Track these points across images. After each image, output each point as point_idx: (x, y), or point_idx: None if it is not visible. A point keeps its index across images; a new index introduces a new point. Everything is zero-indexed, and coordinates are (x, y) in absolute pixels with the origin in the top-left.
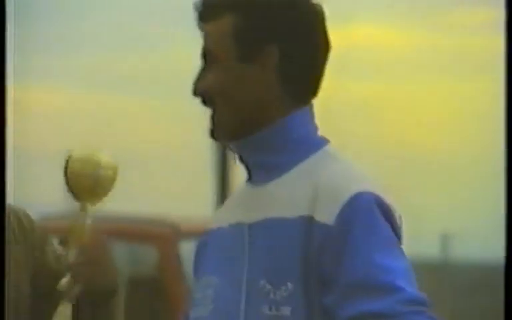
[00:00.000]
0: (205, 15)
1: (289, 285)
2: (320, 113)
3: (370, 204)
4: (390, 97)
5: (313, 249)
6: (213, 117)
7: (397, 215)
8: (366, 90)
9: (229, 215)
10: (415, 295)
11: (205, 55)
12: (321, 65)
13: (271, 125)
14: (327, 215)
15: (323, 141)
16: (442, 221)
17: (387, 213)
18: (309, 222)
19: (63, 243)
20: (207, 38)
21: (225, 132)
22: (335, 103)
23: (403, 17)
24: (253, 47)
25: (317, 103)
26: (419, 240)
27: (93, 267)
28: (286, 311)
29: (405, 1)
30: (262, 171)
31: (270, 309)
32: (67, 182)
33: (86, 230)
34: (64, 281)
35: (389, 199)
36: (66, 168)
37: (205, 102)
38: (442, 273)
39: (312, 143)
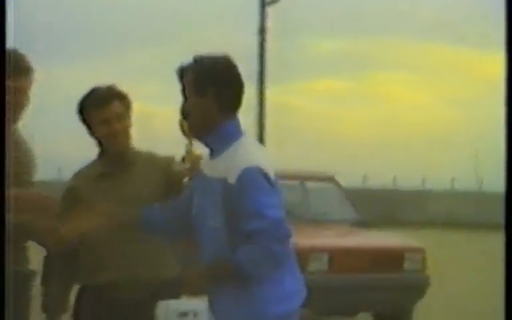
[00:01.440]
0: (181, 75)
1: (219, 212)
2: None
3: (254, 172)
4: None
5: (227, 197)
6: (188, 126)
7: (272, 177)
8: None
9: (205, 169)
10: (279, 220)
11: (184, 94)
12: (239, 94)
13: (213, 130)
14: (232, 179)
15: (240, 135)
16: None
17: (266, 176)
18: (224, 182)
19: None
20: (184, 85)
21: (195, 133)
22: None
23: None
24: (201, 89)
25: None
26: None
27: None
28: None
29: None
30: (212, 152)
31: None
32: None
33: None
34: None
35: (267, 168)
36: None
37: (185, 118)
38: None
39: (234, 137)
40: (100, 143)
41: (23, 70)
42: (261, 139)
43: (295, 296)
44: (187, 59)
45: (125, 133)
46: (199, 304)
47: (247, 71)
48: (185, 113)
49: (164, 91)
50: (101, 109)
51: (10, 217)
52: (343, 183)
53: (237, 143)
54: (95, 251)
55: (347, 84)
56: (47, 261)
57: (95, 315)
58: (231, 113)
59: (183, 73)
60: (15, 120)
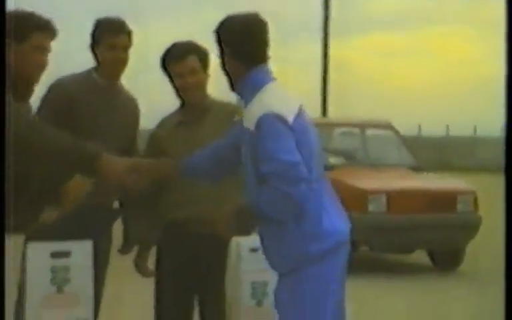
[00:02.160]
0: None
1: (249, 159)
2: None
3: (269, 119)
4: None
5: (251, 144)
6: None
7: (291, 121)
8: None
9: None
10: (290, 163)
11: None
12: (257, 48)
13: (238, 82)
14: (252, 126)
15: (264, 83)
16: None
17: (282, 121)
18: (248, 130)
19: None
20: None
21: (233, 85)
22: None
23: None
24: (223, 47)
25: None
26: None
27: None
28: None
29: None
30: (244, 101)
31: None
32: None
33: None
34: None
35: (286, 113)
36: None
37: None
38: None
39: (258, 86)
40: (179, 94)
41: (122, 30)
42: (324, 91)
43: (333, 234)
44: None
45: (198, 87)
46: None
47: (312, 27)
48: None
49: None
50: (177, 63)
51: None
52: (399, 130)
53: (261, 91)
54: (173, 192)
55: (403, 38)
56: (137, 202)
57: (174, 247)
58: (253, 64)
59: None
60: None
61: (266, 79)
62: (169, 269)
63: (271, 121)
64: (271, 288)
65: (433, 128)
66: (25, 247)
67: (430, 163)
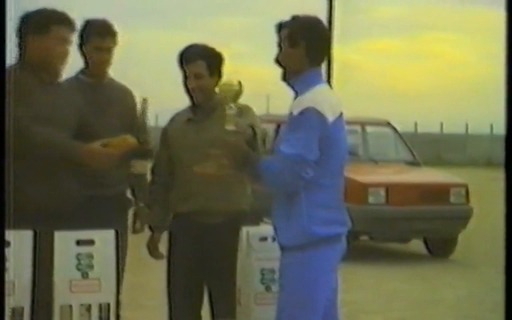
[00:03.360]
0: (279, 29)
1: None
2: None
3: (312, 112)
4: None
5: (290, 123)
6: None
7: (329, 118)
8: None
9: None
10: (301, 156)
11: (279, 45)
12: (325, 49)
13: (299, 76)
14: (297, 111)
15: (319, 83)
16: None
17: (320, 116)
18: (295, 112)
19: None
20: (280, 38)
21: (286, 78)
22: None
23: None
24: (295, 41)
25: None
26: None
27: None
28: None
29: None
30: (296, 92)
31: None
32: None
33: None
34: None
35: (328, 113)
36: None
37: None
38: None
39: (313, 83)
40: (189, 94)
41: (108, 32)
42: None
43: (337, 224)
44: (261, 22)
45: (202, 90)
46: None
47: None
48: (278, 61)
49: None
50: (187, 65)
51: None
52: (397, 128)
53: (313, 88)
54: (185, 184)
55: (401, 43)
56: (152, 189)
57: (183, 237)
58: (316, 63)
59: (280, 27)
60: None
61: (320, 79)
62: (179, 257)
63: (313, 114)
64: (278, 275)
65: (428, 126)
66: (52, 236)
67: (425, 158)
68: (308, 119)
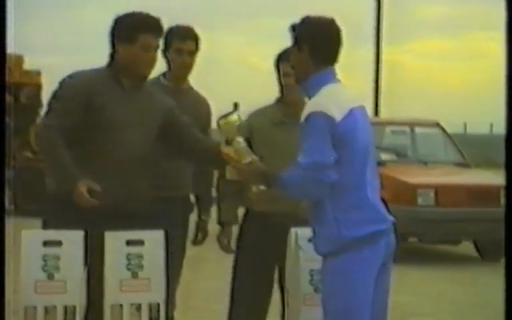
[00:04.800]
0: (291, 32)
1: None
2: None
3: (316, 116)
4: None
5: (301, 133)
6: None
7: (338, 119)
8: None
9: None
10: (319, 163)
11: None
12: (332, 51)
13: (307, 79)
14: (303, 118)
15: (330, 82)
16: None
17: (329, 119)
18: (302, 120)
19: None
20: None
21: (296, 81)
22: None
23: None
24: (300, 44)
25: None
26: None
27: None
28: None
29: None
30: (308, 96)
31: None
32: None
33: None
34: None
35: (334, 112)
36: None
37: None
38: None
39: (324, 83)
40: (281, 91)
41: (189, 36)
42: (376, 93)
43: (371, 222)
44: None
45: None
46: None
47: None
48: (291, 65)
49: None
50: (283, 63)
51: None
52: (446, 129)
53: (322, 89)
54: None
55: (450, 43)
56: (221, 186)
57: (255, 234)
58: (324, 65)
59: (292, 30)
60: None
61: (330, 79)
62: (249, 254)
63: (318, 117)
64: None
65: (478, 126)
66: (102, 235)
67: (475, 160)
68: (314, 123)
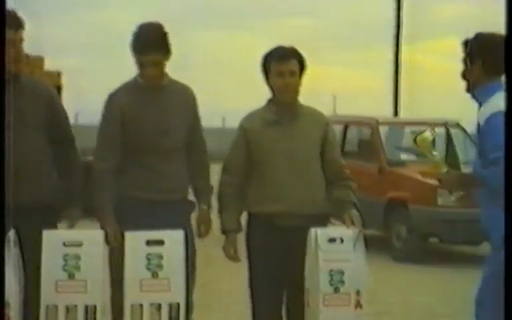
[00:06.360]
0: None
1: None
2: None
3: (499, 116)
4: None
5: (481, 134)
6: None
7: None
8: None
9: None
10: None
11: (465, 62)
12: (501, 63)
13: (479, 89)
14: (483, 121)
15: (499, 90)
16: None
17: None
18: (481, 123)
19: None
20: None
21: (470, 89)
22: None
23: None
24: (472, 58)
25: None
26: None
27: None
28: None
29: None
30: (478, 102)
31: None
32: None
33: None
34: None
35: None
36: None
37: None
38: None
39: (494, 91)
40: (273, 92)
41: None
42: (396, 93)
43: None
44: (325, 23)
45: (295, 88)
46: (345, 231)
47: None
48: (464, 76)
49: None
50: (280, 63)
51: None
52: (466, 129)
53: (493, 97)
54: (266, 186)
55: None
56: (225, 192)
57: (261, 237)
58: (494, 75)
59: (465, 45)
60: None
61: (499, 88)
62: (259, 258)
63: (500, 117)
64: (347, 276)
65: None
66: (123, 236)
67: None
68: (499, 121)
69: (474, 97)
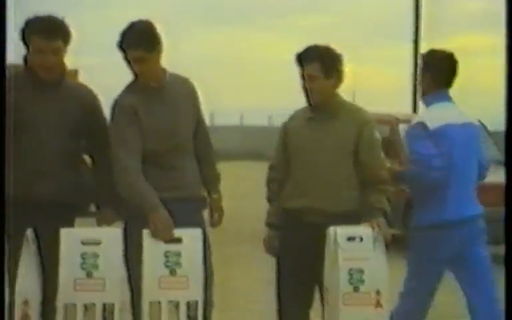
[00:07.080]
0: None
1: None
2: None
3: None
4: None
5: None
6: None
7: (431, 125)
8: None
9: None
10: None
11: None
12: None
13: (425, 95)
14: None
15: (431, 104)
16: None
17: (424, 128)
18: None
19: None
20: None
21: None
22: None
23: None
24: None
25: None
26: None
27: None
28: None
29: None
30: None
31: None
32: None
33: None
34: None
35: (429, 122)
36: None
37: None
38: None
39: (431, 103)
40: (307, 94)
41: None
42: (415, 90)
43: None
44: (339, 21)
45: (317, 92)
46: (364, 230)
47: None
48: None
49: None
50: (301, 66)
51: None
52: (487, 126)
53: (430, 106)
54: (297, 182)
55: (490, 38)
56: (270, 187)
57: (289, 233)
58: (440, 88)
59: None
60: None
61: (442, 98)
62: (287, 255)
63: (413, 128)
64: (367, 275)
65: None
66: (141, 235)
67: None
68: (410, 132)
69: (423, 103)
